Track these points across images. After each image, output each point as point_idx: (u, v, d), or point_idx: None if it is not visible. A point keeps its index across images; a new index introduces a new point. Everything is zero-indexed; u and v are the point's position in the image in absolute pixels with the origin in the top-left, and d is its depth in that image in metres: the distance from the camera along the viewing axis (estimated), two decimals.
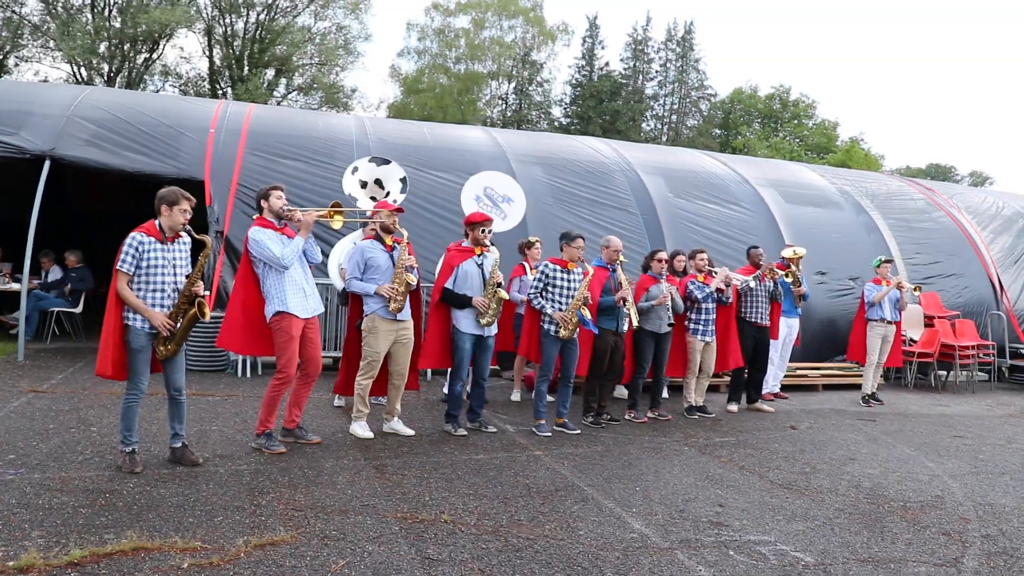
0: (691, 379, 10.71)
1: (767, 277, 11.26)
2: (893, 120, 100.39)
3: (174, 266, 6.60)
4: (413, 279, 8.15)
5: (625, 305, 9.37)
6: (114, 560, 4.68)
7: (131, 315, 6.46)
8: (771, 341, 11.65)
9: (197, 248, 6.72)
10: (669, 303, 9.98)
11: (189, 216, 6.58)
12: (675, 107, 60.06)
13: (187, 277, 6.67)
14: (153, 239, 6.47)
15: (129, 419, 6.56)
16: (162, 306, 6.51)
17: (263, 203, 7.50)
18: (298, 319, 7.38)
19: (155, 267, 6.46)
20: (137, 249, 6.40)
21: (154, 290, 6.48)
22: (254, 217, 7.58)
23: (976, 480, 8.03)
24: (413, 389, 8.94)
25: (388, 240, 8.23)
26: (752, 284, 11.04)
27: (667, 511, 6.41)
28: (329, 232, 7.78)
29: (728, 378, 12.23)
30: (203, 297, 6.61)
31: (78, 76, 39.29)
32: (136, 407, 6.57)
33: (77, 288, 14.21)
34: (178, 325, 6.54)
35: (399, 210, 8.50)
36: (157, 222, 6.54)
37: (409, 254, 8.21)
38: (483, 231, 8.74)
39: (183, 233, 6.65)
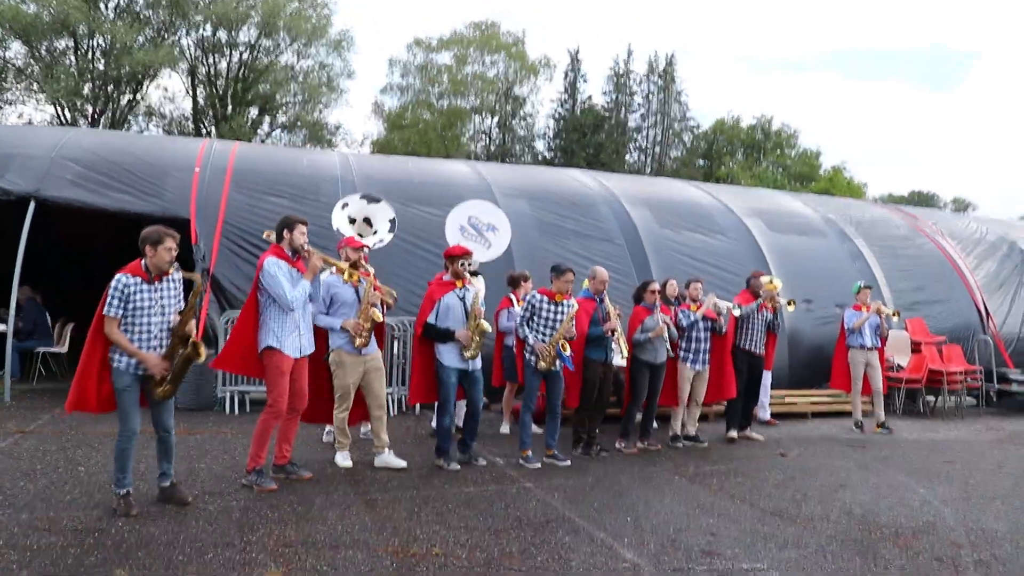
0: (680, 409, 10.69)
1: (767, 305, 11.30)
2: (875, 148, 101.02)
3: (162, 306, 6.54)
4: (379, 315, 8.19)
5: (614, 336, 9.38)
6: None
7: (117, 356, 6.42)
8: (764, 371, 11.68)
9: (188, 286, 6.70)
10: (665, 334, 9.99)
11: (175, 254, 6.53)
12: (658, 139, 60.36)
13: (179, 314, 6.64)
14: (139, 279, 6.42)
15: (123, 461, 6.50)
16: (150, 347, 6.45)
17: (285, 233, 7.48)
18: (289, 357, 7.37)
19: (142, 308, 6.41)
20: (123, 292, 6.35)
21: (141, 331, 6.42)
22: (271, 244, 7.57)
23: (967, 505, 8.03)
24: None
25: (354, 276, 8.23)
26: (736, 312, 11.02)
27: (659, 541, 6.39)
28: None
29: (717, 407, 12.24)
30: (195, 337, 6.57)
31: (62, 118, 39.27)
32: (130, 449, 6.52)
33: (25, 325, 14.06)
34: (173, 365, 6.50)
35: (363, 246, 8.55)
36: (143, 262, 6.49)
37: (375, 290, 8.21)
38: (463, 264, 8.75)
39: (171, 271, 6.62)
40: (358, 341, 8.05)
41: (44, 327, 14.53)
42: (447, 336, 8.55)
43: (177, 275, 6.69)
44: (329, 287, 8.14)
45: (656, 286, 10.21)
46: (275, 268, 7.32)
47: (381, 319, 8.20)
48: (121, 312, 6.36)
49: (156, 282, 6.51)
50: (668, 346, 10.17)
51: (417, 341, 8.76)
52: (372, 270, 8.31)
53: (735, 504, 7.71)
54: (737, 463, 9.73)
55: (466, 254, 8.86)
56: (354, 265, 8.25)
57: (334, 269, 8.07)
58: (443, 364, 8.60)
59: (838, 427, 12.89)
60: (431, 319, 8.61)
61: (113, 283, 6.36)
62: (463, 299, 8.70)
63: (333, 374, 8.28)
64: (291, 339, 7.39)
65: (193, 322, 6.61)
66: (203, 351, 6.58)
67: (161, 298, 6.55)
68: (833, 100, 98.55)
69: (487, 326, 8.69)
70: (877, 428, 12.47)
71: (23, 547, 5.51)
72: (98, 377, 6.47)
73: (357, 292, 8.19)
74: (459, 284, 8.75)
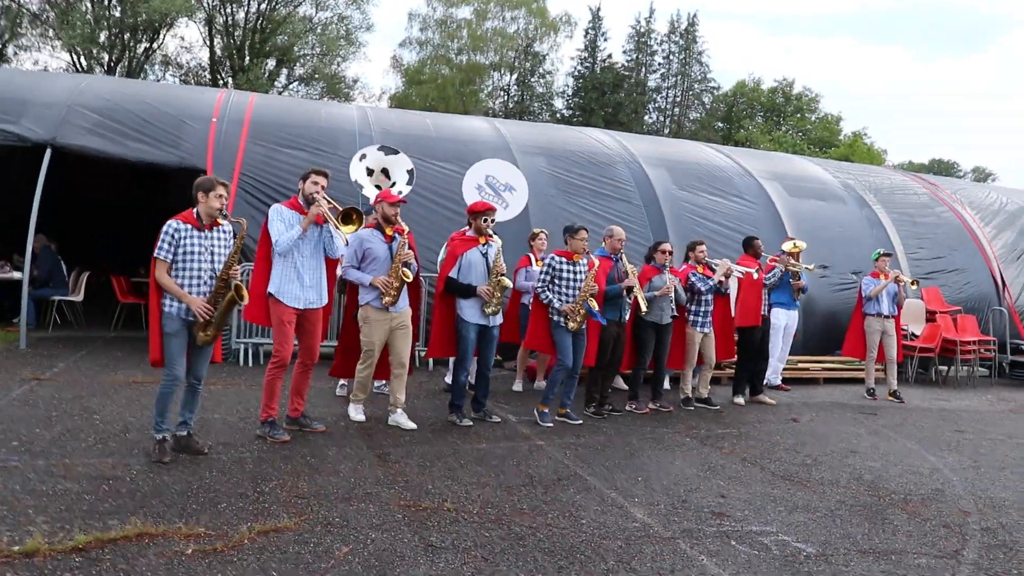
0: (688, 371, 10.71)
1: (788, 269, 11.32)
2: (896, 116, 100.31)
3: (211, 253, 6.61)
4: (410, 274, 8.09)
5: (631, 294, 9.37)
6: (118, 545, 4.69)
7: (167, 300, 6.50)
8: (778, 332, 11.76)
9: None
10: (672, 295, 9.98)
11: (225, 201, 6.63)
12: (678, 100, 60.07)
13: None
14: (190, 226, 6.51)
15: (162, 404, 6.57)
16: (200, 292, 6.52)
17: (300, 183, 7.50)
18: (289, 308, 7.39)
19: (191, 254, 6.49)
20: (173, 236, 6.44)
21: (191, 276, 6.50)
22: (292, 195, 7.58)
23: (976, 474, 8.04)
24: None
25: (388, 231, 8.19)
26: (755, 276, 11.01)
27: (669, 501, 6.42)
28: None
29: (729, 370, 12.25)
30: (238, 281, 6.64)
31: (78, 65, 39.21)
32: (171, 394, 6.59)
33: (40, 274, 14.14)
34: (216, 310, 6.56)
35: (401, 201, 8.46)
36: (195, 210, 6.58)
37: (410, 247, 8.18)
38: (486, 220, 8.73)
39: (222, 221, 6.69)
40: (386, 299, 8.03)
41: (59, 276, 14.57)
42: (468, 291, 8.55)
43: (228, 225, 6.76)
44: (363, 242, 8.10)
45: (668, 246, 10.17)
46: (275, 214, 7.39)
47: (410, 278, 8.15)
48: (171, 256, 6.45)
49: (207, 230, 6.60)
50: (673, 307, 10.15)
51: (438, 296, 8.75)
52: (407, 228, 8.25)
53: (746, 467, 7.73)
54: (749, 427, 9.75)
55: (489, 210, 8.83)
56: (387, 220, 8.19)
57: (369, 221, 8.02)
58: (464, 319, 8.61)
59: (850, 394, 12.89)
60: (453, 274, 8.61)
61: (165, 228, 6.46)
62: (485, 255, 8.69)
63: (360, 331, 8.28)
64: (291, 288, 7.36)
65: (237, 268, 6.65)
66: (246, 294, 6.69)
67: (212, 245, 6.62)
68: (855, 65, 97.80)
69: (508, 282, 8.69)
70: (889, 396, 12.47)
71: (39, 492, 5.56)
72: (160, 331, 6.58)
73: (391, 248, 8.14)
74: (482, 240, 8.74)
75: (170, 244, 6.44)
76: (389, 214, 8.19)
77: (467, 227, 8.93)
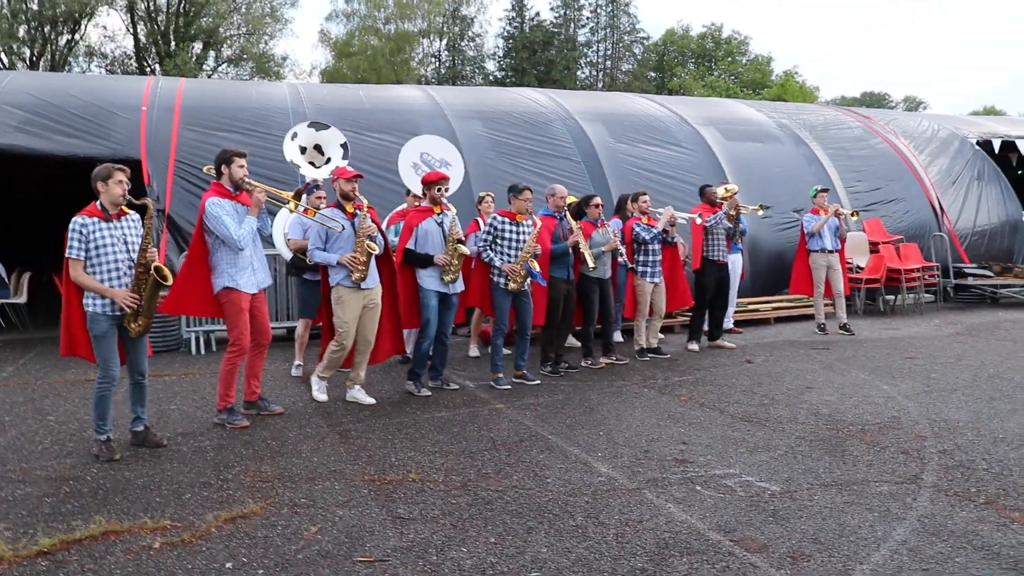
0: (641, 321, 10.78)
1: (734, 212, 11.35)
2: (825, 51, 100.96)
3: (125, 242, 6.43)
4: (376, 247, 8.02)
5: (579, 248, 9.40)
6: (84, 546, 4.65)
7: (89, 300, 6.31)
8: (734, 279, 11.83)
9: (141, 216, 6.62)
10: (618, 245, 10.01)
11: (127, 187, 6.42)
12: (609, 53, 60.13)
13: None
14: (97, 219, 6.31)
15: (102, 408, 6.44)
16: (121, 284, 6.36)
17: (223, 168, 7.35)
18: (246, 294, 7.32)
19: (104, 247, 6.30)
20: (81, 232, 6.24)
21: (108, 270, 6.32)
22: (210, 182, 7.47)
23: (930, 399, 8.19)
24: (400, 353, 9.22)
25: (349, 207, 8.10)
26: (698, 221, 11.05)
27: (632, 453, 6.47)
28: (270, 201, 7.61)
29: (682, 318, 12.34)
30: (157, 262, 6.49)
31: None
32: (109, 395, 6.45)
33: None
34: (142, 297, 6.44)
35: (358, 176, 8.37)
36: (98, 202, 6.39)
37: (372, 220, 8.12)
38: (439, 189, 8.70)
39: (128, 210, 6.53)
40: (355, 275, 7.96)
41: (0, 279, 14.34)
42: (426, 261, 8.54)
43: (134, 213, 6.59)
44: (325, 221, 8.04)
45: (599, 199, 10.19)
46: (217, 208, 7.17)
47: (377, 251, 8.07)
48: (83, 254, 6.26)
49: (115, 220, 6.41)
50: (620, 259, 10.20)
51: (397, 269, 8.70)
52: (366, 201, 8.16)
53: (705, 412, 7.81)
54: (704, 372, 9.84)
55: (443, 179, 8.80)
56: (346, 197, 8.10)
57: (323, 204, 7.99)
58: (424, 288, 8.61)
59: (801, 331, 13.06)
60: (410, 245, 8.58)
61: (71, 226, 6.25)
62: (441, 224, 8.66)
63: (333, 311, 8.19)
64: (246, 276, 7.30)
65: (153, 249, 6.49)
66: (168, 275, 6.47)
67: (124, 235, 6.44)
68: (782, 3, 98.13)
69: (465, 249, 8.71)
70: (840, 330, 12.63)
71: None
72: (82, 322, 6.41)
73: (353, 224, 8.07)
74: (437, 210, 8.71)
75: (80, 241, 6.24)
76: (347, 190, 8.09)
77: (416, 201, 8.89)
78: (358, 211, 8.05)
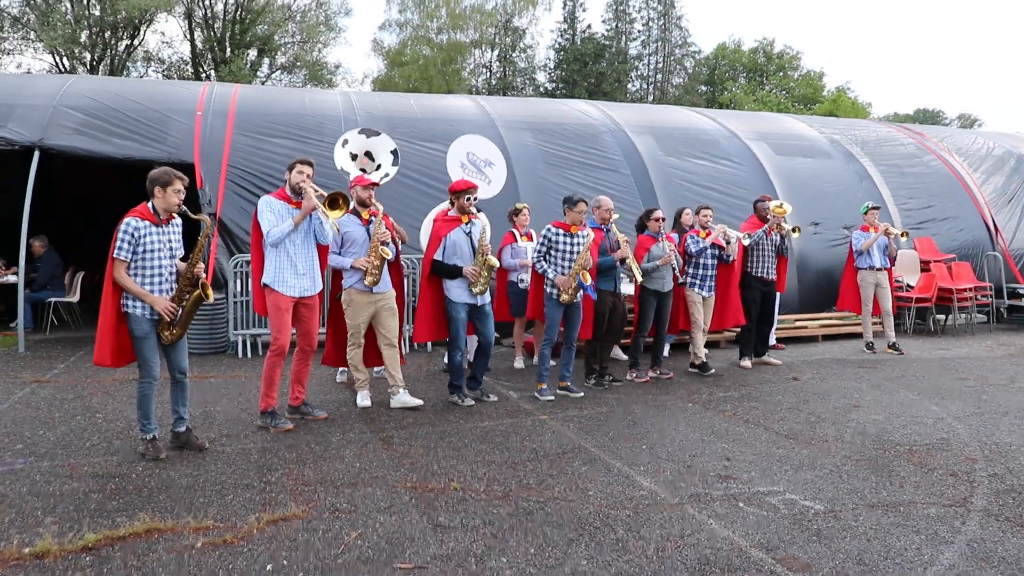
0: (697, 333, 10.70)
1: (774, 231, 11.19)
2: (878, 67, 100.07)
3: (170, 248, 6.49)
4: (389, 252, 8.12)
5: (625, 264, 9.36)
6: (128, 543, 4.70)
7: (130, 302, 6.35)
8: (777, 295, 11.68)
9: (193, 229, 6.66)
10: (673, 261, 9.96)
11: (183, 196, 6.46)
12: (660, 66, 59.87)
13: (182, 259, 6.62)
14: (148, 223, 6.33)
15: (145, 407, 6.49)
16: (161, 291, 6.40)
17: (286, 174, 7.54)
18: (285, 296, 7.39)
19: (152, 251, 6.33)
20: (133, 235, 6.25)
21: (152, 275, 6.35)
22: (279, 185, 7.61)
23: (981, 421, 8.06)
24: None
25: (364, 214, 8.21)
26: (746, 241, 10.98)
27: (675, 467, 6.43)
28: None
29: (728, 334, 12.24)
30: (204, 278, 6.56)
31: (61, 66, 39.05)
32: (151, 394, 6.50)
33: (42, 276, 14.18)
34: (182, 308, 6.49)
35: (374, 184, 8.46)
36: (150, 204, 6.39)
37: (387, 227, 8.19)
38: (468, 199, 8.66)
39: (175, 215, 6.59)
40: (368, 279, 8.03)
41: (60, 278, 14.56)
42: (455, 272, 8.51)
43: (177, 219, 6.63)
44: (340, 226, 8.08)
45: (660, 213, 10.15)
46: (265, 205, 7.43)
47: (391, 256, 8.16)
48: (131, 256, 6.28)
49: (164, 225, 6.45)
50: (677, 272, 10.15)
51: (425, 279, 8.72)
52: (381, 207, 8.25)
53: (749, 428, 7.74)
54: (750, 388, 9.77)
55: (471, 188, 8.75)
56: (362, 203, 8.21)
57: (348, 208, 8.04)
58: (452, 300, 8.57)
59: (849, 349, 12.92)
60: (438, 256, 8.57)
61: (122, 226, 6.26)
62: (469, 234, 8.63)
63: (345, 313, 8.30)
64: (285, 277, 7.39)
65: (202, 264, 6.56)
66: (211, 293, 6.55)
67: (169, 241, 6.50)
68: (835, 18, 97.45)
69: (495, 261, 8.64)
70: (888, 348, 12.49)
71: (46, 494, 5.56)
72: (116, 328, 6.39)
73: (368, 230, 8.16)
74: (464, 220, 8.69)
75: (129, 243, 6.24)
76: (363, 197, 8.22)
77: (449, 206, 8.89)
78: (373, 217, 8.17)
